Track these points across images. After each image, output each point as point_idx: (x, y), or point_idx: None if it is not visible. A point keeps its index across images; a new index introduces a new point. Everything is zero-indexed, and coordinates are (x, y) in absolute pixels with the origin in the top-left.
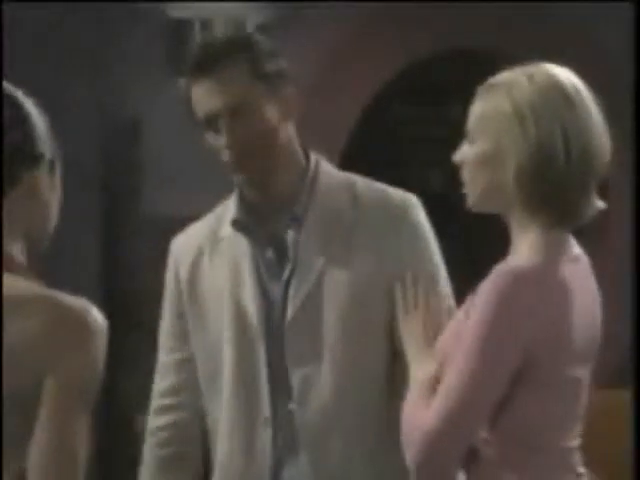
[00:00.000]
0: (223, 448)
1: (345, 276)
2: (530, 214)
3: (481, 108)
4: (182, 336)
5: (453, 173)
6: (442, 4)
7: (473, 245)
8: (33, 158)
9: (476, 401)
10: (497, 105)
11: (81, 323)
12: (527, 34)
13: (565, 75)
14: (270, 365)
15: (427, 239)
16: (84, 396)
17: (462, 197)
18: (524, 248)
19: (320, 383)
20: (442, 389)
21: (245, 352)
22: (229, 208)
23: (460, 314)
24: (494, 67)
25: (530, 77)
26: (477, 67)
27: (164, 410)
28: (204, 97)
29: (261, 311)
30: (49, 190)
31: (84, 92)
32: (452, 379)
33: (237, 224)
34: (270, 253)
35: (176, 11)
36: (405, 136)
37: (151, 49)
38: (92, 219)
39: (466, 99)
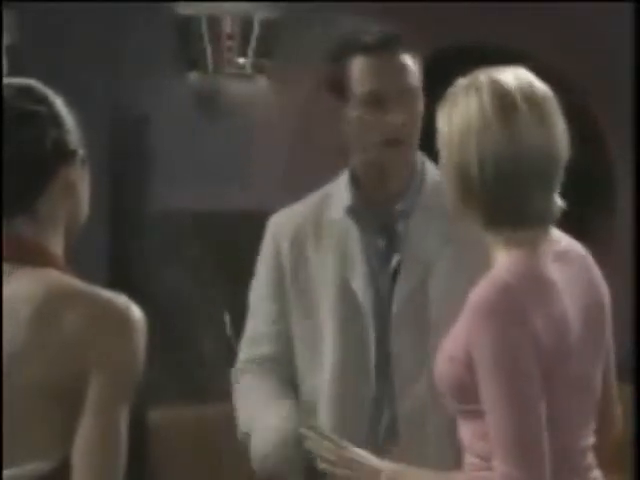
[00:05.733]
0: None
1: (452, 273)
2: (483, 225)
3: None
4: (282, 309)
5: None
6: (443, 3)
7: None
8: (68, 153)
9: (536, 429)
10: (441, 125)
11: (124, 319)
12: (529, 32)
13: (505, 87)
14: (376, 352)
15: None
16: (126, 389)
17: None
18: (498, 258)
19: (420, 376)
20: (500, 436)
21: (354, 337)
22: (337, 193)
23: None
24: (497, 63)
25: (467, 92)
26: (480, 64)
27: (252, 371)
28: (379, 72)
29: (370, 299)
30: (81, 185)
31: (94, 89)
32: (505, 425)
33: (351, 211)
34: (381, 242)
35: (184, 8)
36: None
37: (160, 46)
38: (102, 215)
39: None
